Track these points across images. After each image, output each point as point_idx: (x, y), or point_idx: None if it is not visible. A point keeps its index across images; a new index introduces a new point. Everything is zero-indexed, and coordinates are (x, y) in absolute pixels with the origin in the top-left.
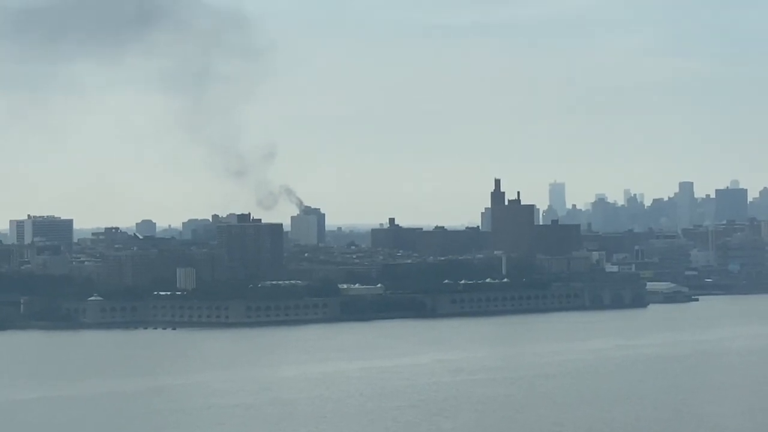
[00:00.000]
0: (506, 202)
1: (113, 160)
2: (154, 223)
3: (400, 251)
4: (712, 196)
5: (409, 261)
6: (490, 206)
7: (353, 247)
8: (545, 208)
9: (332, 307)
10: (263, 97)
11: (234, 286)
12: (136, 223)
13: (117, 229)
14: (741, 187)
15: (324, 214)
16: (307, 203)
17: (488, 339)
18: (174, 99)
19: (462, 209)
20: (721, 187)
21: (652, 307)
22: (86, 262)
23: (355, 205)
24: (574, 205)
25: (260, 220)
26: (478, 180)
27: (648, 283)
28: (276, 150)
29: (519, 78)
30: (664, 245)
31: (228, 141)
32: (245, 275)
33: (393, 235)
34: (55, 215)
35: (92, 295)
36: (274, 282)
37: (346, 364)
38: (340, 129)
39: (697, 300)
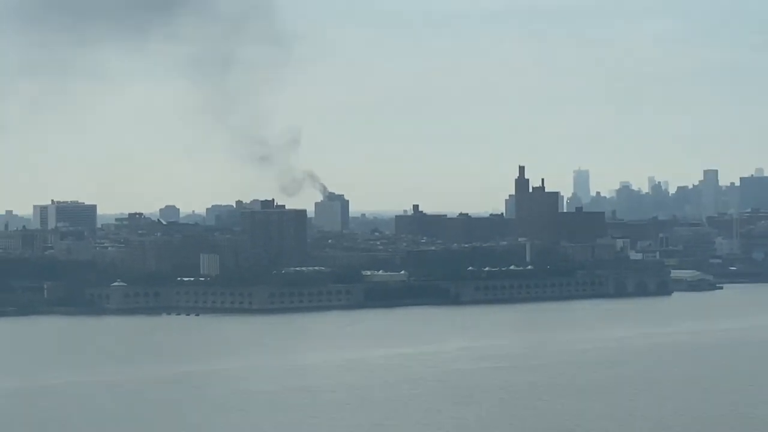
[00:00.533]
0: (530, 189)
1: (137, 145)
2: (178, 209)
3: (424, 238)
4: (737, 183)
5: (432, 248)
6: (514, 193)
7: (377, 234)
8: (569, 195)
9: (356, 294)
10: (287, 83)
11: (257, 272)
12: (160, 209)
13: (140, 214)
14: (766, 175)
15: (348, 201)
16: (331, 189)
17: (512, 326)
18: (198, 85)
19: (486, 196)
20: (746, 174)
21: (676, 294)
22: (110, 248)
23: (379, 191)
24: (598, 193)
25: (284, 206)
26: (502, 167)
27: (672, 271)
28: (300, 136)
29: (543, 64)
30: (688, 233)
31: (252, 127)
32: (269, 261)
33: (417, 221)
34: (79, 200)
35: (115, 281)
36: (297, 268)
37: (369, 350)
38: (365, 115)
39: (721, 288)
